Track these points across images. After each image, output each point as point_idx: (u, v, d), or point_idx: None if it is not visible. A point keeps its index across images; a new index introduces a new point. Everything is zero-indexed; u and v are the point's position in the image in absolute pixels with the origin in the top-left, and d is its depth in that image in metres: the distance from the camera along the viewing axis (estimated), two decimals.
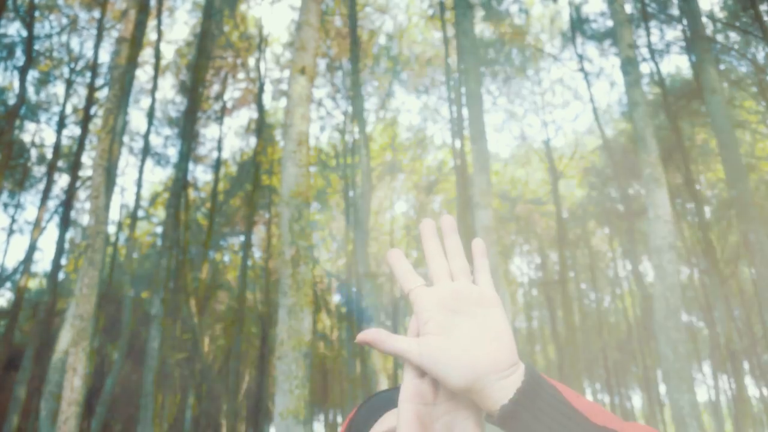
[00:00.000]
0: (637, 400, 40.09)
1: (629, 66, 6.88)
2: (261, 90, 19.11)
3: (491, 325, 0.53)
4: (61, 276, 19.73)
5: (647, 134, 6.26)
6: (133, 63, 8.05)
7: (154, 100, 15.74)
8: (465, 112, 16.14)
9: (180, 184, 13.03)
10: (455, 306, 0.54)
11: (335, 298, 26.72)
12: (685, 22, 15.00)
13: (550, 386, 0.52)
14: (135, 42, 8.02)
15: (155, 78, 15.98)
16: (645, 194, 6.15)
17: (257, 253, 25.80)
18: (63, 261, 20.47)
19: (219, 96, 22.08)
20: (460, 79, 16.36)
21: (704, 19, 17.35)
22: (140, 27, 8.86)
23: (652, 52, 17.65)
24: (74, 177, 15.82)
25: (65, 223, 15.85)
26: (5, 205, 20.20)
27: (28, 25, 13.18)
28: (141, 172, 15.31)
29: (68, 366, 5.36)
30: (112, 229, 20.83)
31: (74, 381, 5.26)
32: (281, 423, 4.96)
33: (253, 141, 23.76)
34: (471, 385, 0.51)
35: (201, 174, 26.37)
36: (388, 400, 0.69)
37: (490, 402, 0.51)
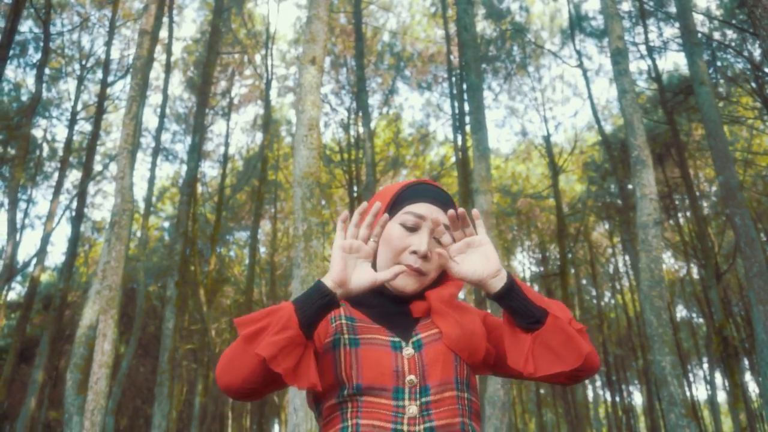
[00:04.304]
0: (637, 397, 40.42)
1: (619, 56, 7.32)
2: (268, 86, 19.56)
3: (486, 254, 1.14)
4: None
5: (635, 119, 6.70)
6: (151, 56, 8.49)
7: (165, 96, 16.20)
8: (466, 107, 16.56)
9: (193, 174, 13.50)
10: (469, 248, 1.15)
11: None
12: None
13: (517, 285, 1.12)
14: (154, 35, 8.47)
15: (167, 74, 16.45)
16: (632, 174, 6.60)
17: (262, 249, 26.26)
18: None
19: (226, 92, 22.56)
20: (462, 76, 16.79)
21: (701, 17, 17.75)
22: (157, 22, 9.32)
23: (649, 49, 18.04)
24: (87, 171, 16.28)
25: (79, 217, 16.31)
26: (17, 200, 20.67)
27: (44, 22, 13.65)
28: (154, 165, 15.77)
29: (98, 332, 5.79)
30: None
31: (104, 345, 5.69)
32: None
33: (259, 137, 24.25)
34: (478, 283, 1.11)
35: (208, 169, 26.81)
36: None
37: (489, 290, 1.12)
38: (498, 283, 1.12)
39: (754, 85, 17.29)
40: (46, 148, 21.54)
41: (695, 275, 24.37)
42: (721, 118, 9.27)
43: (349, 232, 1.10)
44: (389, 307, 1.22)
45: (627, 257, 26.16)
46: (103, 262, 7.13)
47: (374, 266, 1.23)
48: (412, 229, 1.20)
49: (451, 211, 1.13)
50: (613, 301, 31.67)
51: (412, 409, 1.08)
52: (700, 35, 14.58)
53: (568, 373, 1.11)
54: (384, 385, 1.09)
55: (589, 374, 1.13)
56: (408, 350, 1.13)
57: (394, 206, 1.25)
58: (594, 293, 30.20)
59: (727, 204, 8.28)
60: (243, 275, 26.01)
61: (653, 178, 6.40)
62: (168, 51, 16.71)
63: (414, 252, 1.19)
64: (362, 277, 1.08)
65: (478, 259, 1.14)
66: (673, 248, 23.46)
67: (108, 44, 17.74)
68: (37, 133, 20.89)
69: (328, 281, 1.05)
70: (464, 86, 16.09)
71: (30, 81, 20.26)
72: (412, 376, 1.10)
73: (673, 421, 5.44)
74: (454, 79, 18.44)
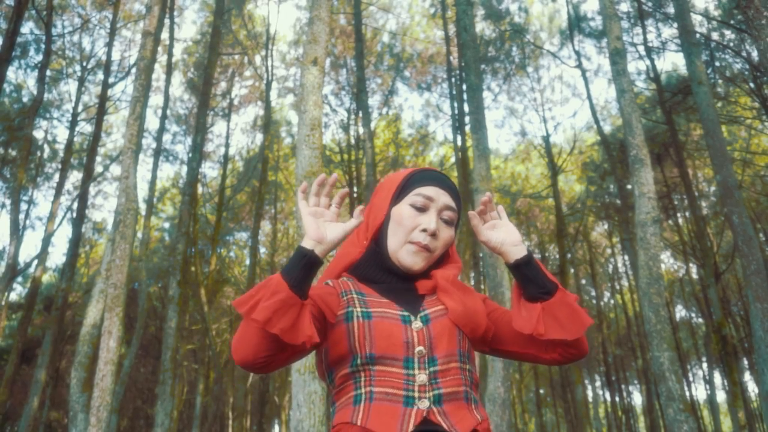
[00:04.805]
0: (637, 396, 40.46)
1: (617, 57, 7.40)
2: (268, 87, 19.64)
3: (509, 230, 1.30)
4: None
5: (633, 119, 6.78)
6: (153, 57, 8.58)
7: (167, 97, 16.27)
8: (466, 107, 16.63)
9: (194, 174, 13.58)
10: (496, 227, 1.31)
11: None
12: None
13: (534, 259, 1.26)
14: (156, 37, 8.57)
15: (168, 75, 16.52)
16: (631, 173, 6.68)
17: (262, 249, 26.32)
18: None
19: (226, 93, 22.63)
20: (461, 76, 16.86)
21: (699, 18, 17.83)
22: (159, 23, 9.41)
23: (648, 49, 18.12)
24: (89, 172, 16.35)
25: (80, 218, 16.37)
26: (20, 200, 20.72)
27: (46, 24, 13.71)
28: (155, 166, 15.84)
29: (104, 329, 5.86)
30: None
31: (110, 342, 5.76)
32: (299, 378, 5.46)
33: (259, 137, 24.32)
34: (500, 247, 1.28)
35: (208, 170, 26.89)
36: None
37: (510, 257, 1.27)
38: (519, 252, 1.28)
39: (752, 85, 17.35)
40: (47, 149, 21.61)
41: (694, 275, 24.43)
42: (718, 118, 9.36)
43: (311, 201, 1.21)
44: (396, 284, 1.33)
45: (626, 257, 26.21)
46: (107, 261, 7.19)
47: (386, 245, 1.33)
48: (421, 209, 1.32)
49: (484, 198, 1.31)
50: (612, 301, 31.73)
51: (422, 378, 1.18)
52: (698, 36, 14.65)
53: (564, 349, 1.27)
54: (395, 355, 1.19)
55: (580, 356, 1.28)
56: (417, 324, 1.24)
57: (403, 189, 1.36)
58: (593, 293, 30.26)
59: (724, 203, 8.36)
60: (243, 276, 26.07)
61: (651, 177, 6.49)
62: (169, 52, 16.79)
63: (424, 230, 1.30)
64: (334, 231, 1.17)
65: (502, 232, 1.31)
66: (672, 248, 23.53)
67: (109, 46, 17.83)
68: (38, 134, 20.97)
69: (307, 242, 1.14)
70: (464, 87, 16.17)
71: (31, 82, 20.36)
72: (421, 348, 1.21)
73: (672, 416, 5.52)
74: (453, 79, 18.51)
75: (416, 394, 1.17)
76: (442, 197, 1.33)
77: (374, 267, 1.34)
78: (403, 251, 1.30)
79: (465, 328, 1.26)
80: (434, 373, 1.19)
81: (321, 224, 1.18)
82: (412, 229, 1.30)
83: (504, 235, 1.30)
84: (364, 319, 1.22)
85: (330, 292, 1.27)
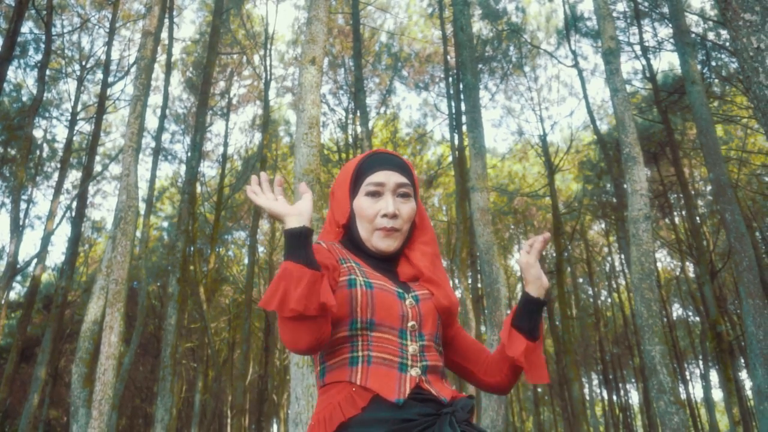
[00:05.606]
0: (634, 395, 40.60)
1: (611, 56, 7.52)
2: (267, 86, 19.73)
3: (543, 275, 1.45)
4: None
5: (626, 117, 6.91)
6: (153, 56, 8.66)
7: (166, 97, 16.35)
8: (463, 106, 16.72)
9: (193, 172, 13.66)
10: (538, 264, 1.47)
11: None
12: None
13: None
14: (156, 36, 8.67)
15: (167, 74, 16.61)
16: (624, 171, 6.81)
17: (260, 248, 26.40)
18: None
19: (225, 93, 22.72)
20: (459, 76, 16.95)
21: (696, 17, 17.95)
22: (159, 23, 9.50)
23: (644, 49, 18.22)
24: (88, 171, 16.42)
25: (80, 217, 16.45)
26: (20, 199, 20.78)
27: (46, 24, 13.79)
28: (155, 165, 15.92)
29: (105, 325, 5.96)
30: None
31: (111, 337, 5.87)
32: (297, 371, 5.56)
33: (257, 137, 24.41)
34: (533, 276, 1.44)
35: (206, 169, 26.94)
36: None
37: (533, 290, 1.44)
38: (542, 294, 1.45)
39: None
40: (46, 148, 21.67)
41: (691, 273, 24.55)
42: (712, 117, 9.47)
43: (261, 196, 1.28)
44: (381, 265, 1.43)
45: (623, 255, 26.28)
46: (108, 258, 7.28)
47: (358, 236, 1.44)
48: (376, 195, 1.41)
49: (546, 235, 1.47)
50: (609, 300, 31.84)
51: (413, 348, 1.31)
52: (694, 35, 14.77)
53: (508, 379, 1.48)
54: (392, 324, 1.31)
55: (508, 391, 1.51)
56: (410, 300, 1.36)
57: (356, 182, 1.45)
58: (590, 291, 30.39)
59: (718, 200, 8.48)
60: (242, 274, 26.16)
61: (644, 175, 6.62)
62: (168, 52, 16.87)
63: (384, 215, 1.39)
64: (301, 203, 1.25)
65: (541, 271, 1.47)
66: (668, 246, 23.65)
67: (108, 45, 17.91)
68: (38, 133, 21.04)
69: (290, 221, 1.20)
70: (461, 86, 16.26)
71: (30, 82, 20.42)
72: (414, 322, 1.33)
73: (663, 408, 5.63)
74: (450, 79, 18.60)
75: (409, 362, 1.29)
76: (392, 178, 1.40)
77: (355, 248, 1.44)
78: (374, 238, 1.40)
79: (443, 314, 1.40)
80: (422, 347, 1.32)
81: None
82: (374, 217, 1.40)
83: (541, 274, 1.45)
84: (366, 288, 1.31)
85: (329, 257, 1.34)
